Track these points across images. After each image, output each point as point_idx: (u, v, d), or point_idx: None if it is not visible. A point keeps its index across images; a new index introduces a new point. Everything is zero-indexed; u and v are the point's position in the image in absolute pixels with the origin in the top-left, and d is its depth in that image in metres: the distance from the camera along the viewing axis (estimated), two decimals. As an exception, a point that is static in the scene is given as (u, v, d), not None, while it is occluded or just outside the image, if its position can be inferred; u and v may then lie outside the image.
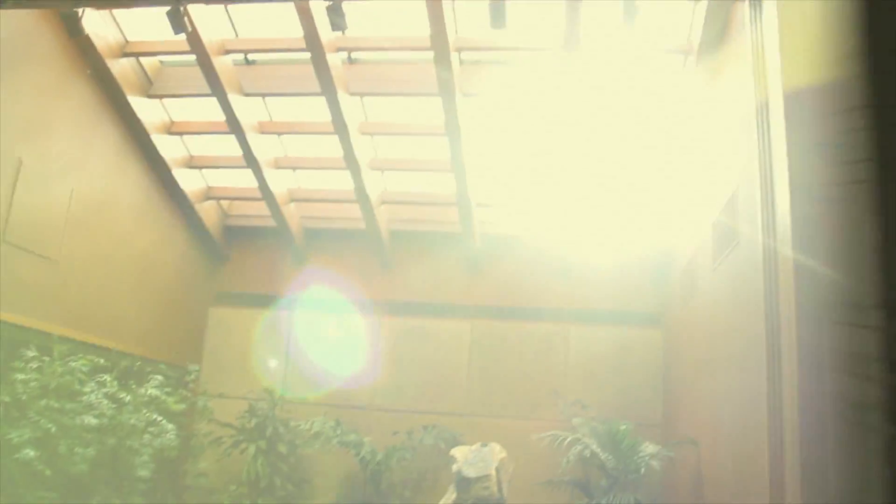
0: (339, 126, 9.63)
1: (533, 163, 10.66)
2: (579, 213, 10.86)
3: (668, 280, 10.98)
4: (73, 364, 7.77)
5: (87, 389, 7.89)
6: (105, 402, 8.03)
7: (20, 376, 7.36)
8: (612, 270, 11.41)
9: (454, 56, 8.81)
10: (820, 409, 4.81)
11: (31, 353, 7.53)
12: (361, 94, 9.88)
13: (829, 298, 4.96)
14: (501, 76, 9.49)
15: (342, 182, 11.11)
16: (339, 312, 12.10)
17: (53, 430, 7.22)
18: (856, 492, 4.64)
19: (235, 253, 12.75)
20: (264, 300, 12.37)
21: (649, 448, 8.11)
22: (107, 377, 8.24)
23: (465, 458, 8.97)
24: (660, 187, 10.37)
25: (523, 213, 11.53)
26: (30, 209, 8.23)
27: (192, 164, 11.25)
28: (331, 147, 10.41)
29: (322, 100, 9.34)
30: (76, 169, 9.15)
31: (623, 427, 8.14)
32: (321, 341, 12.06)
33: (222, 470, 10.61)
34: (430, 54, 8.66)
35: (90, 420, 7.66)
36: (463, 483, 8.67)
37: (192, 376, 10.22)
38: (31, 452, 6.87)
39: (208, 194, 11.86)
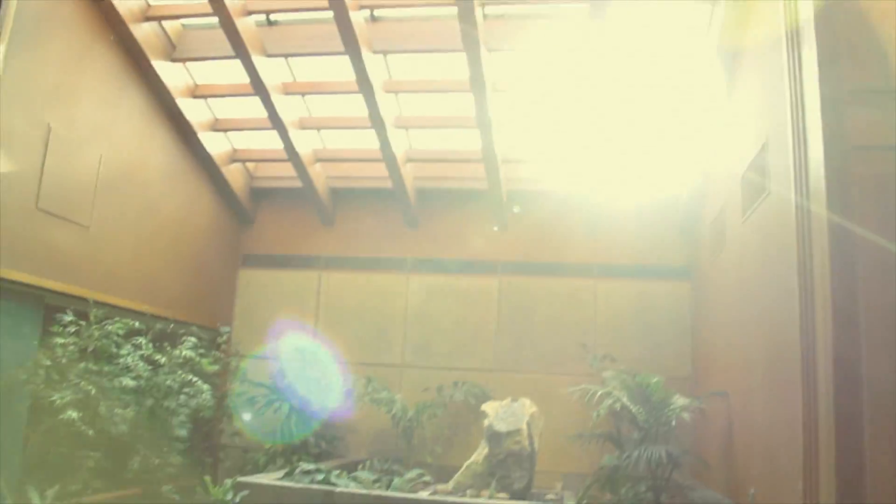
0: (364, 85, 9.59)
1: (559, 117, 10.56)
2: (606, 167, 10.79)
3: (696, 233, 10.92)
4: (109, 328, 7.90)
5: (123, 352, 8.04)
6: (141, 364, 8.18)
7: (59, 340, 7.51)
8: (639, 224, 11.37)
9: (478, 10, 8.70)
10: (854, 358, 4.81)
11: (68, 318, 7.65)
12: (385, 52, 9.81)
13: (864, 250, 4.93)
14: (527, 30, 9.37)
15: (367, 141, 11.10)
16: (367, 271, 12.18)
17: (93, 391, 7.38)
18: (889, 439, 4.66)
19: (263, 214, 12.83)
20: (292, 261, 12.49)
21: (680, 400, 8.12)
22: (142, 340, 8.38)
23: (496, 413, 9.06)
24: (688, 140, 10.25)
25: (550, 168, 11.47)
26: (60, 176, 8.31)
27: (217, 127, 11.27)
28: (355, 106, 10.39)
29: (345, 59, 9.29)
30: (104, 135, 9.20)
31: (655, 380, 8.16)
32: (350, 300, 12.17)
33: (257, 429, 10.81)
34: (454, 9, 8.57)
35: (128, 381, 7.81)
36: (494, 438, 8.77)
37: (225, 338, 10.36)
38: (73, 414, 7.03)
39: (234, 157, 11.90)
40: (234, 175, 11.94)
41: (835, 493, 4.64)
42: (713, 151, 9.53)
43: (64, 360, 7.50)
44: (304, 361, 11.00)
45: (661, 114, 10.22)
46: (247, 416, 10.18)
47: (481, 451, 8.97)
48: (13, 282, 7.57)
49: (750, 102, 7.67)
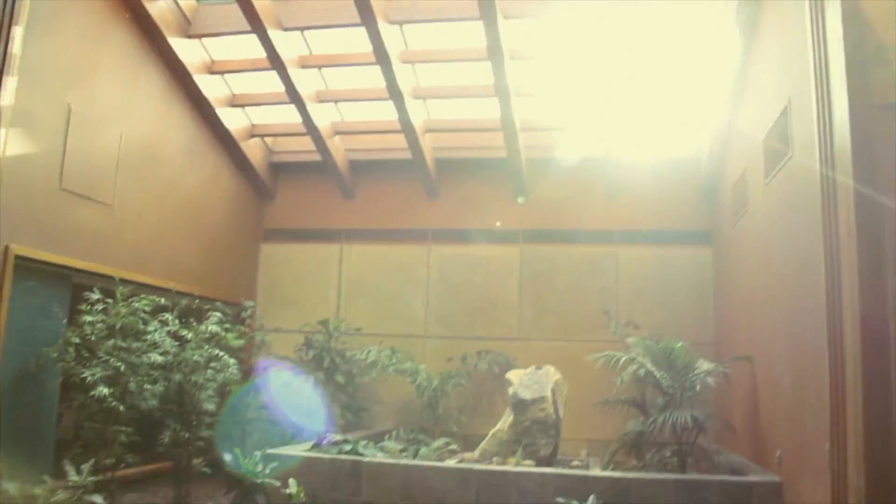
0: (381, 56, 9.55)
1: (577, 84, 10.48)
2: (625, 132, 10.70)
3: (717, 198, 10.85)
4: (135, 305, 7.96)
5: (150, 328, 8.10)
6: (168, 340, 8.25)
7: (87, 318, 7.60)
8: (660, 190, 11.32)
9: (494, -22, 8.63)
10: (881, 319, 4.79)
11: (95, 296, 7.74)
12: (401, 23, 9.74)
13: (890, 211, 4.88)
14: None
15: (386, 113, 11.08)
16: (389, 242, 12.22)
17: (122, 368, 7.46)
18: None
19: (282, 189, 12.89)
20: (314, 234, 12.55)
21: (705, 365, 8.11)
22: (168, 316, 8.44)
23: (521, 381, 9.08)
24: (707, 104, 10.13)
25: (569, 135, 11.38)
26: (82, 156, 8.38)
27: (234, 102, 11.29)
28: (373, 78, 10.36)
29: (362, 30, 9.25)
30: (123, 113, 9.25)
31: (679, 345, 8.14)
32: (372, 272, 12.23)
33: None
34: (470, -24, 8.50)
35: (156, 357, 7.89)
36: (519, 405, 8.80)
37: (249, 312, 10.43)
38: (104, 390, 7.13)
39: (252, 132, 11.93)
40: (253, 150, 11.98)
41: (863, 453, 4.65)
42: (734, 115, 9.42)
43: (93, 338, 7.59)
44: (328, 333, 11.10)
45: (680, 78, 10.10)
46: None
47: (506, 419, 9.02)
48: (41, 261, 7.70)
49: (771, 64, 7.57)
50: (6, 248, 7.16)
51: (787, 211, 6.89)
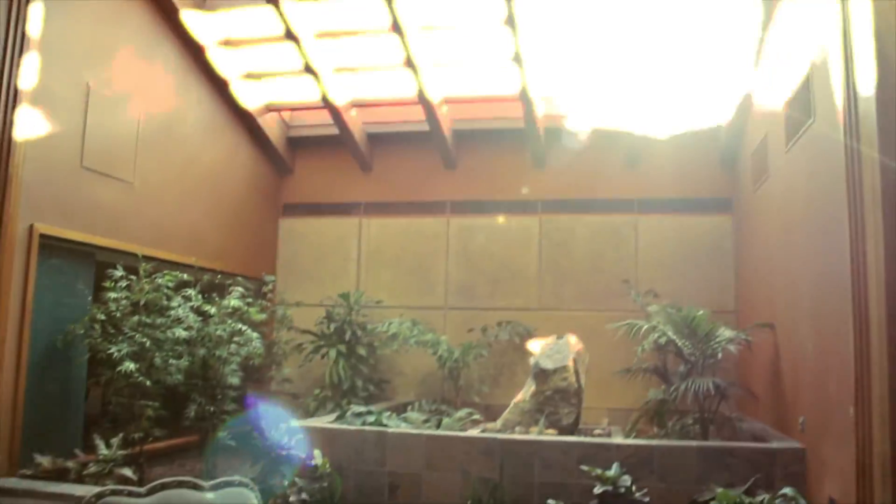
0: (398, 27, 9.50)
1: (596, 51, 10.37)
2: (644, 100, 10.61)
3: (737, 164, 10.76)
4: (158, 281, 8.02)
5: (174, 304, 8.15)
6: (191, 315, 8.31)
7: (111, 295, 7.66)
8: (679, 157, 11.22)
9: (509, -55, 8.54)
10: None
11: (118, 273, 7.80)
12: (417, -6, 9.69)
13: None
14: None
15: (403, 85, 11.02)
16: (407, 215, 12.23)
17: (148, 343, 7.54)
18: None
19: (301, 163, 12.89)
20: (332, 208, 12.57)
21: (726, 332, 8.11)
22: (191, 291, 8.50)
23: (542, 350, 9.13)
24: (727, 68, 10.02)
25: (588, 104, 11.30)
26: (102, 134, 8.40)
27: (250, 77, 11.26)
28: (389, 50, 10.30)
29: (378, 1, 9.19)
30: (141, 91, 9.25)
31: (700, 313, 8.14)
32: (391, 245, 12.26)
33: (305, 375, 11.03)
34: (485, -55, 8.41)
35: (180, 333, 7.94)
36: (541, 375, 8.85)
37: (270, 286, 10.49)
38: (130, 365, 7.21)
39: (269, 107, 11.91)
40: (270, 125, 11.98)
41: (888, 418, 4.65)
42: (754, 80, 9.33)
43: (118, 314, 7.65)
44: (349, 306, 11.20)
45: (699, 44, 9.98)
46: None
47: (528, 389, 9.07)
48: (64, 240, 7.77)
49: (793, 28, 7.48)
50: (30, 227, 7.23)
51: (809, 177, 6.84)
